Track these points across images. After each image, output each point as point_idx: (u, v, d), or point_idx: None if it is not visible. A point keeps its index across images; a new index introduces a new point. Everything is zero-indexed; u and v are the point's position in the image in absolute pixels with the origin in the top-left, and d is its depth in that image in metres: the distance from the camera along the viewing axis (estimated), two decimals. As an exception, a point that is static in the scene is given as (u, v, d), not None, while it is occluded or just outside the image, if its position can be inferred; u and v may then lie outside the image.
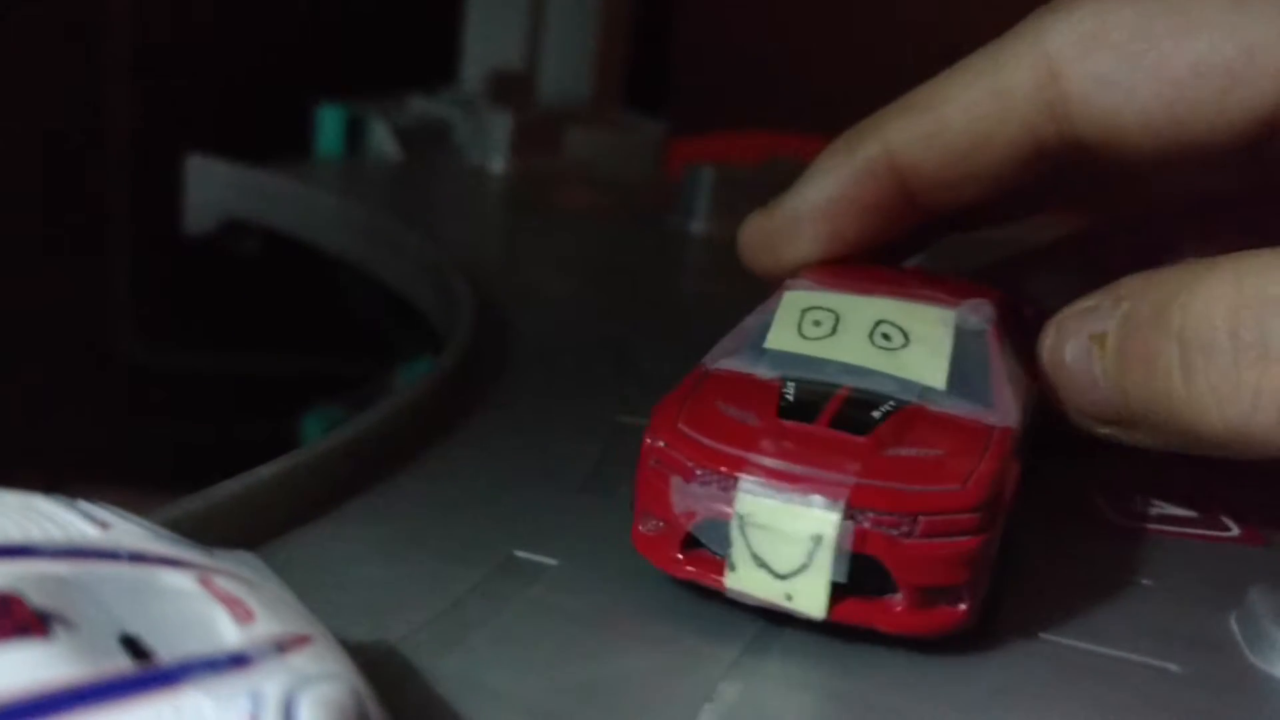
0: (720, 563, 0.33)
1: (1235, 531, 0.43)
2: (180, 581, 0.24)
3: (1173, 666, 0.34)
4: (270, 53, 1.06)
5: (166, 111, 1.06)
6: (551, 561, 0.37)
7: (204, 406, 1.11)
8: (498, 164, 0.93)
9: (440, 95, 1.00)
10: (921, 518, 0.32)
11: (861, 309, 0.38)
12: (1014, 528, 0.37)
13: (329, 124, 0.91)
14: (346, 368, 1.03)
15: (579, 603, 0.35)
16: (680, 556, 0.34)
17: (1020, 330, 0.43)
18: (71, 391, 1.07)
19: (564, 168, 0.95)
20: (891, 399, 0.35)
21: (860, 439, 0.33)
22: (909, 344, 0.37)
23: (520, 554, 0.37)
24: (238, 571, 0.26)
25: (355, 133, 0.93)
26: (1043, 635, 0.35)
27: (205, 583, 0.24)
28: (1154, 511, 0.43)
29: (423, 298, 0.68)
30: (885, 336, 0.37)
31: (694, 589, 0.35)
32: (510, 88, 0.98)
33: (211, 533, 0.32)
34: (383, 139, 0.92)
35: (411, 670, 0.31)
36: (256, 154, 0.85)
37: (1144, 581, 0.38)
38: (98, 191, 1.07)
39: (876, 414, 0.35)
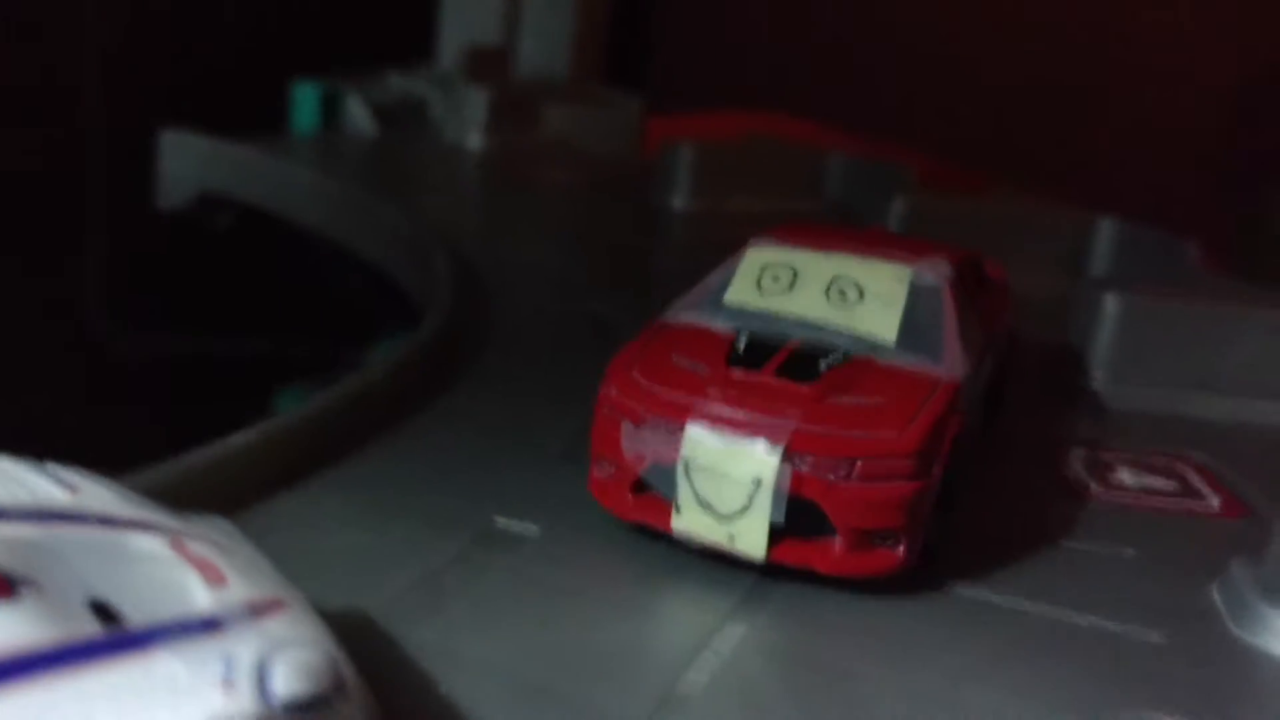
0: (668, 506, 0.34)
1: (1216, 504, 0.42)
2: (150, 545, 0.23)
3: (1155, 636, 0.34)
4: (247, 30, 1.05)
5: (142, 89, 1.05)
6: (531, 529, 0.37)
7: (180, 389, 1.10)
8: (475, 140, 0.92)
9: (418, 72, 0.99)
10: (859, 462, 0.33)
11: (820, 266, 0.39)
12: (963, 477, 0.37)
13: (304, 100, 0.91)
14: (323, 347, 1.02)
15: (558, 570, 0.35)
16: (631, 499, 0.35)
17: (981, 288, 0.43)
18: (44, 375, 1.05)
19: (542, 144, 0.95)
20: (840, 351, 0.36)
21: (804, 387, 0.35)
22: (864, 300, 0.38)
23: (500, 522, 0.37)
24: (210, 536, 0.25)
25: (331, 109, 0.92)
26: (1026, 605, 0.35)
27: (176, 546, 0.24)
28: (1135, 483, 0.43)
29: (400, 271, 0.67)
30: (841, 292, 0.38)
31: (669, 560, 0.35)
32: (487, 64, 0.97)
33: (187, 499, 0.31)
34: (358, 115, 0.91)
35: (389, 638, 0.30)
36: (233, 130, 0.84)
37: (1126, 552, 0.38)
38: (73, 172, 1.05)
39: (822, 364, 0.36)
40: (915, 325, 0.37)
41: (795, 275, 0.39)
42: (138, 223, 0.94)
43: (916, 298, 0.38)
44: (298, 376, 0.95)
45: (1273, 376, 0.51)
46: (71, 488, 0.24)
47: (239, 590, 0.23)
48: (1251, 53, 1.07)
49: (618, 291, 0.64)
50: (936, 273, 0.39)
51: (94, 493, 0.25)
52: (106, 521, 0.24)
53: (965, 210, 0.73)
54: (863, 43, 1.18)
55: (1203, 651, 0.33)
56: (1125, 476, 0.44)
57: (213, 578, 0.23)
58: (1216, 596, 0.36)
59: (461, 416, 0.45)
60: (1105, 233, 0.72)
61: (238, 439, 0.36)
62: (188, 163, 0.83)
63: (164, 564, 0.23)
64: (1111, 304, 0.51)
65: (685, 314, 0.39)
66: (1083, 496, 0.42)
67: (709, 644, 0.32)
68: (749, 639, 0.32)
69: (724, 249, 0.45)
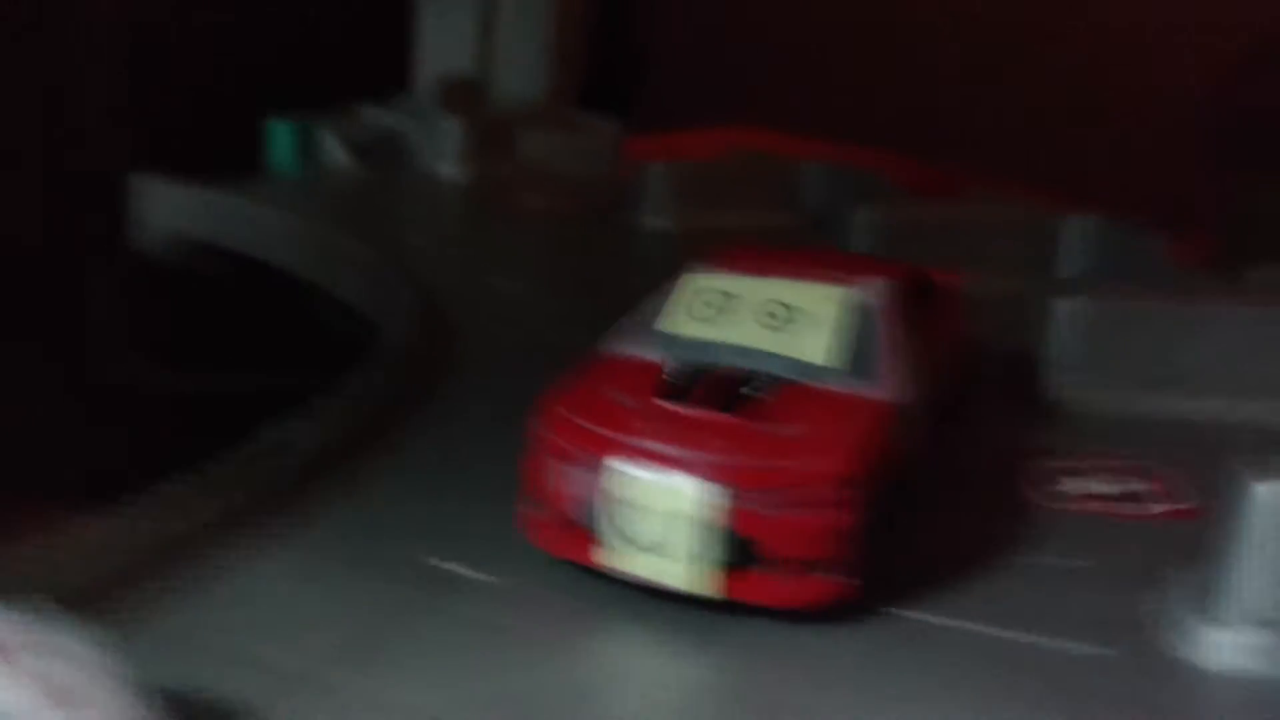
0: (597, 542, 0.34)
1: (1171, 508, 0.42)
2: None
3: (1088, 650, 0.33)
4: (223, 69, 1.06)
5: (126, 133, 1.06)
6: (476, 572, 0.36)
7: (177, 425, 1.10)
8: (451, 170, 0.92)
9: (393, 104, 0.99)
10: (787, 492, 0.32)
11: (754, 290, 0.39)
12: (911, 499, 0.37)
13: (280, 138, 0.91)
14: (311, 377, 1.03)
15: (503, 614, 0.34)
16: (559, 536, 0.35)
17: (929, 302, 0.43)
18: (49, 414, 1.06)
19: (519, 171, 0.95)
20: (770, 377, 0.36)
21: (730, 417, 0.34)
22: (797, 323, 0.38)
23: (444, 566, 0.37)
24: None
25: (308, 146, 0.92)
26: (958, 623, 0.35)
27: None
28: (1079, 490, 0.43)
29: (374, 310, 0.68)
30: (773, 316, 0.38)
31: (618, 599, 0.35)
32: (461, 94, 0.97)
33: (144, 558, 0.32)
34: (334, 151, 0.91)
35: (327, 688, 0.30)
36: (216, 169, 0.85)
37: (1076, 564, 0.38)
38: (64, 214, 1.06)
39: (750, 391, 0.35)
40: (850, 347, 0.37)
41: (729, 301, 0.39)
42: (135, 265, 0.94)
43: (851, 319, 0.38)
44: (284, 409, 0.95)
45: (1232, 372, 0.51)
46: None
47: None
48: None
49: (588, 316, 0.63)
50: (873, 292, 0.39)
51: None
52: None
53: (933, 215, 0.73)
54: (853, 60, 1.18)
55: (1135, 665, 0.33)
56: (1080, 484, 0.43)
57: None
58: (1152, 608, 0.35)
59: (415, 456, 0.45)
60: (1075, 229, 0.72)
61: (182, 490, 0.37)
62: (160, 207, 0.83)
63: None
64: (1063, 309, 0.51)
65: (619, 344, 0.39)
66: (1037, 508, 0.42)
67: (660, 683, 0.32)
68: (698, 678, 0.32)
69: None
